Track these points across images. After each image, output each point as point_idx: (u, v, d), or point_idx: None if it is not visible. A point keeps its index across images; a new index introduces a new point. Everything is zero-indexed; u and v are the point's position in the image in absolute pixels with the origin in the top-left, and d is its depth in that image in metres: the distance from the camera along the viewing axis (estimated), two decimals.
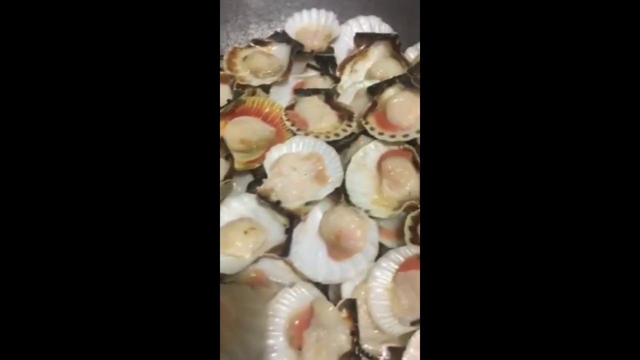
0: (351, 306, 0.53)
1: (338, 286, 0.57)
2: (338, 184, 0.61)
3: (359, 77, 0.78)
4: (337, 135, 0.66)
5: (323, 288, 0.57)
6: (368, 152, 0.66)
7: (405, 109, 0.67)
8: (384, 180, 0.64)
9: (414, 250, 0.56)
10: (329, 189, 0.60)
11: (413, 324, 0.51)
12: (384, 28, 0.81)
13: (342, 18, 0.82)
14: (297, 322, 0.54)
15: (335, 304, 0.53)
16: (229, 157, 0.61)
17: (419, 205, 0.61)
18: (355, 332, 0.51)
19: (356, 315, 0.52)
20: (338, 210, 0.59)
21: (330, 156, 0.63)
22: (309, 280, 0.56)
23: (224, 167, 0.60)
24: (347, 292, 0.56)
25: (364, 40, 0.77)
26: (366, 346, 0.53)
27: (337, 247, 0.58)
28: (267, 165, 0.62)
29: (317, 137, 0.65)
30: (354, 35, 0.78)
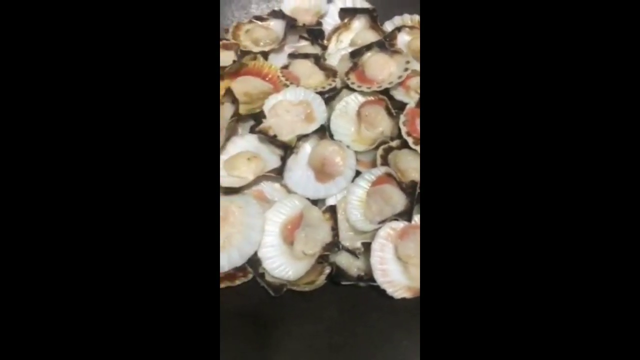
0: (332, 210, 0.66)
1: (323, 201, 0.71)
2: (323, 122, 0.75)
3: (343, 45, 0.92)
4: (323, 88, 0.80)
5: (312, 203, 0.71)
6: (349, 102, 0.80)
7: (380, 66, 0.81)
8: (362, 124, 0.78)
9: (383, 170, 0.70)
10: (316, 125, 0.74)
11: (380, 222, 0.65)
12: (365, 4, 0.96)
13: None
14: (289, 226, 0.67)
15: None
16: (235, 101, 0.75)
17: (389, 141, 0.75)
18: (335, 228, 0.65)
19: (336, 217, 0.66)
20: (323, 143, 0.73)
21: (317, 102, 0.77)
22: None
23: (230, 109, 0.74)
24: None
25: (347, 14, 0.92)
26: (346, 244, 0.67)
27: (322, 172, 0.72)
28: (265, 109, 0.76)
29: (307, 89, 0.79)
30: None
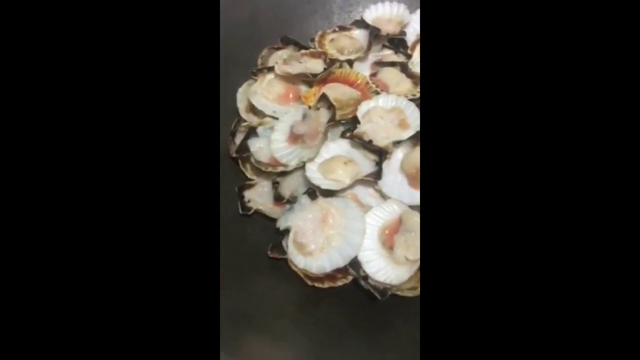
0: None
1: (418, 207, 0.71)
2: (417, 129, 0.75)
3: None
4: (413, 95, 0.81)
5: None
6: None
7: None
8: None
9: None
10: (411, 132, 0.75)
11: None
12: None
13: (411, 8, 0.98)
14: (387, 231, 0.68)
15: None
16: (331, 107, 0.76)
17: None
18: None
19: None
20: (417, 150, 0.73)
21: (411, 109, 0.78)
22: None
23: (326, 114, 0.76)
24: None
25: None
26: None
27: (416, 178, 0.72)
28: (359, 115, 0.77)
29: (398, 96, 0.80)
30: None
